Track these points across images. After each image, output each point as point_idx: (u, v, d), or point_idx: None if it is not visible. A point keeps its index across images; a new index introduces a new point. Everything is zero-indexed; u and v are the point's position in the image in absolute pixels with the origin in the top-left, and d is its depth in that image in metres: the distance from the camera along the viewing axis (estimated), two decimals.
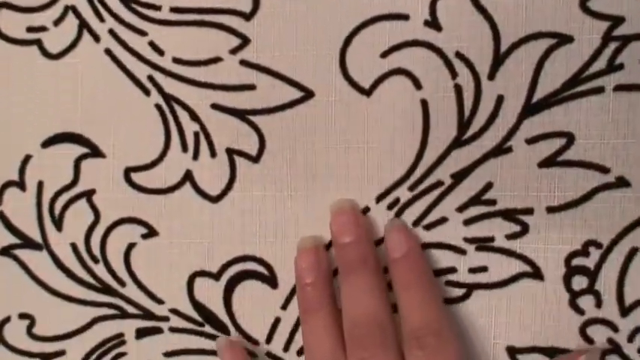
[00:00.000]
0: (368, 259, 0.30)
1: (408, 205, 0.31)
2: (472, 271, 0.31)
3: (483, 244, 0.31)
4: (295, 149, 0.32)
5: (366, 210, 0.32)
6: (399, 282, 0.30)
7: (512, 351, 0.31)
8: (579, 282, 0.30)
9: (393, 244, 0.30)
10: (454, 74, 0.30)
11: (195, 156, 0.32)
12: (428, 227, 0.31)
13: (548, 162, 0.30)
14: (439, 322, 0.29)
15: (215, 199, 0.33)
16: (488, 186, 0.31)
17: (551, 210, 0.30)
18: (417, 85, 0.31)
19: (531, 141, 0.30)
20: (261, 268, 0.33)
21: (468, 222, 0.31)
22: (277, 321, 0.33)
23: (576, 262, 0.30)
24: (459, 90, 0.30)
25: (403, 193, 0.31)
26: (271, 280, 0.33)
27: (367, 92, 0.31)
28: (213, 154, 0.32)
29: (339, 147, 0.32)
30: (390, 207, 0.32)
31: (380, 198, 0.32)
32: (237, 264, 0.33)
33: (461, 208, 0.31)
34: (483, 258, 0.31)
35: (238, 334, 0.33)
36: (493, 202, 0.31)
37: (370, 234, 0.31)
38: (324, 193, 0.32)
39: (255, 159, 0.32)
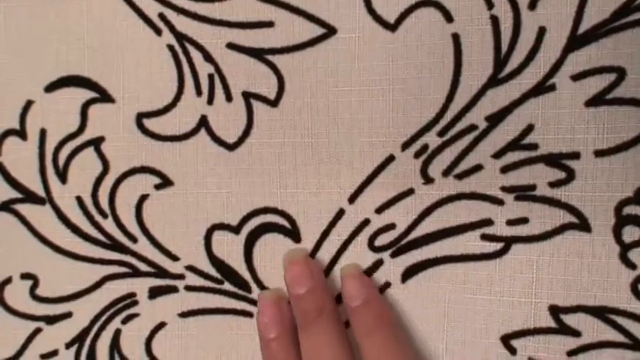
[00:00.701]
0: (324, 309, 0.29)
1: (438, 152, 0.29)
2: (511, 223, 0.29)
3: (523, 193, 0.29)
4: (316, 91, 0.30)
5: (391, 159, 0.30)
6: (361, 330, 0.29)
7: (555, 310, 0.29)
8: (631, 233, 0.28)
9: (351, 293, 0.29)
10: (490, 4, 0.28)
11: (210, 100, 0.31)
12: (460, 176, 0.29)
13: (596, 100, 0.28)
14: None
15: (232, 147, 0.31)
16: (529, 129, 0.29)
17: (599, 154, 0.28)
18: (448, 17, 0.28)
19: (577, 77, 0.28)
20: (282, 221, 0.31)
21: (505, 169, 0.29)
22: None
23: (627, 210, 0.28)
24: (495, 22, 0.28)
25: (432, 139, 0.29)
26: (293, 234, 0.31)
27: (392, 27, 0.29)
28: (229, 97, 0.31)
29: (363, 89, 0.30)
30: (417, 155, 0.30)
31: (406, 145, 0.30)
32: (258, 216, 0.31)
33: (497, 154, 0.29)
34: (523, 208, 0.29)
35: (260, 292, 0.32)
36: (534, 147, 0.29)
37: (325, 282, 0.31)
38: (348, 140, 0.30)
39: (274, 103, 0.30)
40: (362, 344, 0.29)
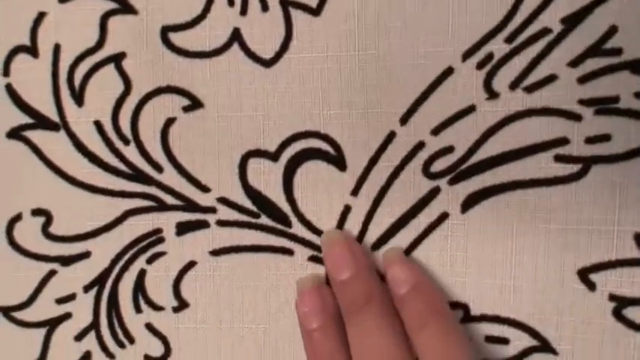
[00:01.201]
0: (373, 294, 0.28)
1: (505, 61, 0.27)
2: (590, 140, 0.27)
3: (605, 106, 0.26)
4: None
5: (449, 71, 0.27)
6: (412, 318, 0.27)
7: None
8: None
9: (398, 279, 0.28)
10: None
11: (244, 11, 0.28)
12: (530, 89, 0.27)
13: None
14: (460, 356, 0.26)
15: (268, 63, 0.28)
16: (612, 31, 0.26)
17: None
18: None
19: None
20: (325, 146, 0.29)
21: (584, 79, 0.26)
22: (347, 209, 0.29)
23: None
24: None
25: (498, 47, 0.27)
26: (338, 161, 0.29)
27: None
28: (264, 7, 0.28)
29: None
30: (480, 66, 0.27)
31: (467, 54, 0.27)
32: (298, 141, 0.29)
33: (575, 62, 0.26)
34: (605, 124, 0.26)
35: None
36: (618, 52, 0.26)
37: (370, 263, 0.29)
38: (400, 51, 0.27)
39: (316, 11, 0.28)
40: (415, 338, 0.27)
